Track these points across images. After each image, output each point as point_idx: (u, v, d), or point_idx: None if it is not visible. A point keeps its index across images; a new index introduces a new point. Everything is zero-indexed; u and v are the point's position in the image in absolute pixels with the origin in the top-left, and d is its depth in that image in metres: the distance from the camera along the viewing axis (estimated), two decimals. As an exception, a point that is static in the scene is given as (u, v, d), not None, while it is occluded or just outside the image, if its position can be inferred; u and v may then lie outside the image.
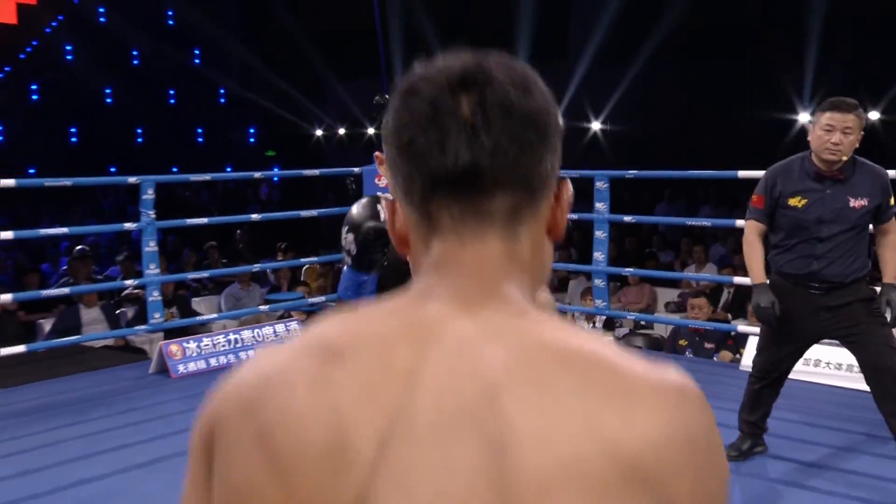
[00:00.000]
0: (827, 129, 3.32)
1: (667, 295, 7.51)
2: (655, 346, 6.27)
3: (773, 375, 3.71)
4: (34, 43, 16.07)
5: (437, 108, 0.77)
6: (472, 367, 0.69)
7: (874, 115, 13.78)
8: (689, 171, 6.13)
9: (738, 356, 5.49)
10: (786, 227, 3.48)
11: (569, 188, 0.84)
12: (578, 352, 0.71)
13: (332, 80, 17.90)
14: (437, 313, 0.74)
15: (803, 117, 14.59)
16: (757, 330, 5.27)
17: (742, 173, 5.22)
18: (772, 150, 13.71)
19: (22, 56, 15.98)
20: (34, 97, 17.18)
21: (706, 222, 7.55)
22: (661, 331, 6.63)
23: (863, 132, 3.40)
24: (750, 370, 4.69)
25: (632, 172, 5.86)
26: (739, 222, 5.54)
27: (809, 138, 3.45)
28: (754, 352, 5.07)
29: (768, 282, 3.52)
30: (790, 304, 3.44)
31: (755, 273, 3.56)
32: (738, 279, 5.93)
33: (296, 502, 0.68)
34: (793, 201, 3.43)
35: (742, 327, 5.43)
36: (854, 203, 3.39)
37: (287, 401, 0.70)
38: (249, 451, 0.70)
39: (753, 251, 3.61)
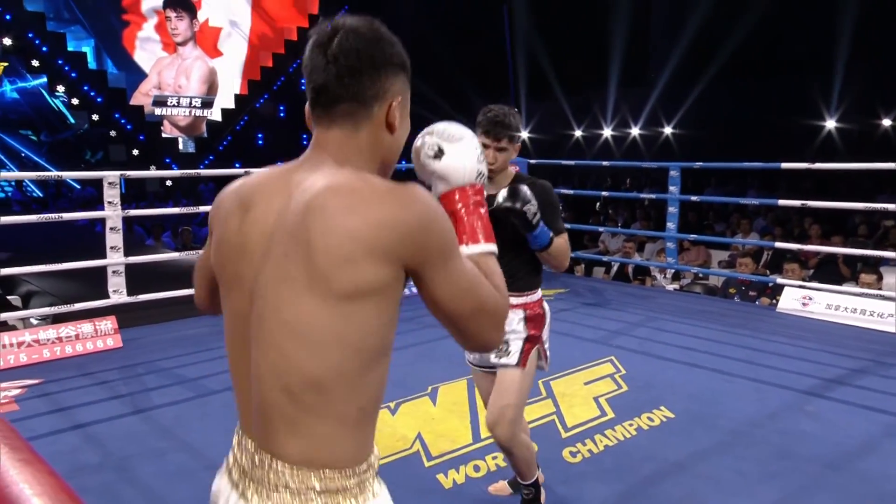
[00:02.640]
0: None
1: (719, 255, 7.10)
2: (710, 292, 5.92)
3: None
4: (282, 78, 16.79)
5: (312, 51, 0.92)
6: (307, 200, 0.86)
7: (887, 122, 12.50)
8: (743, 163, 5.69)
9: (774, 301, 5.10)
10: None
11: (398, 99, 0.94)
12: (349, 187, 0.86)
13: (475, 99, 17.77)
14: (299, 177, 0.91)
15: (830, 123, 13.36)
16: (790, 282, 4.91)
17: (784, 165, 4.82)
18: (805, 148, 12.67)
19: (275, 87, 16.75)
20: (282, 115, 18.03)
21: (754, 201, 7.06)
22: (714, 281, 6.27)
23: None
24: (783, 312, 4.37)
25: (698, 164, 5.51)
26: (781, 202, 5.12)
27: None
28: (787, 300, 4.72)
29: None
30: None
31: None
32: (778, 244, 5.55)
33: (228, 273, 0.94)
34: None
35: (779, 280, 5.05)
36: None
37: (224, 227, 0.95)
38: (214, 246, 0.99)
39: None
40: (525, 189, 1.83)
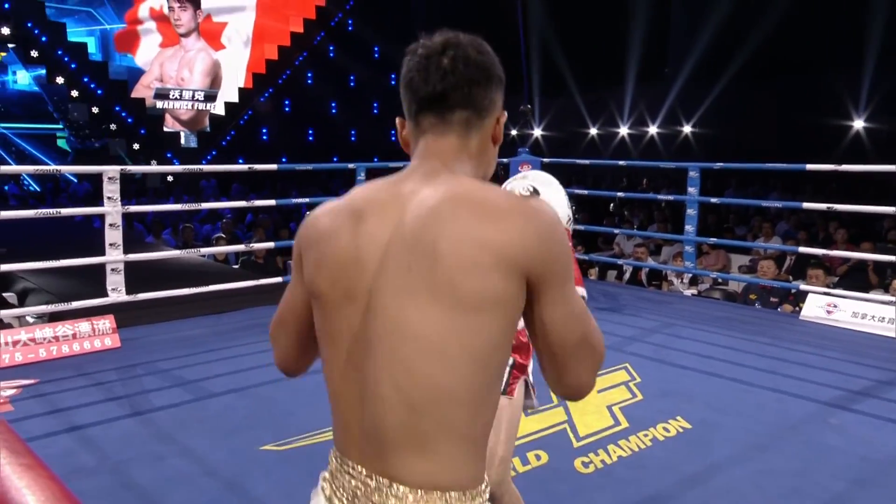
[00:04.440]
0: None
1: (740, 260, 7.07)
2: (729, 298, 5.89)
3: None
4: (288, 72, 16.83)
5: (422, 61, 0.96)
6: (431, 208, 0.88)
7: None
8: (766, 164, 5.62)
9: (797, 309, 5.06)
10: None
11: (504, 115, 1.00)
12: (476, 195, 0.89)
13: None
14: (412, 187, 0.92)
15: (858, 123, 13.24)
16: (815, 289, 4.87)
17: (810, 166, 4.79)
18: (831, 149, 12.58)
19: (280, 81, 16.79)
20: (287, 109, 18.07)
21: (777, 204, 7.01)
22: (734, 287, 6.23)
23: None
24: (807, 320, 4.33)
25: (718, 164, 5.48)
26: (806, 205, 5.09)
27: None
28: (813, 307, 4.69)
29: None
30: None
31: None
32: (801, 248, 5.50)
33: (339, 289, 0.92)
34: None
35: (803, 286, 5.01)
36: None
37: (330, 243, 0.94)
38: (313, 265, 0.96)
39: None
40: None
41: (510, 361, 1.88)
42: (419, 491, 0.87)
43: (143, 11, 14.54)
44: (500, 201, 0.88)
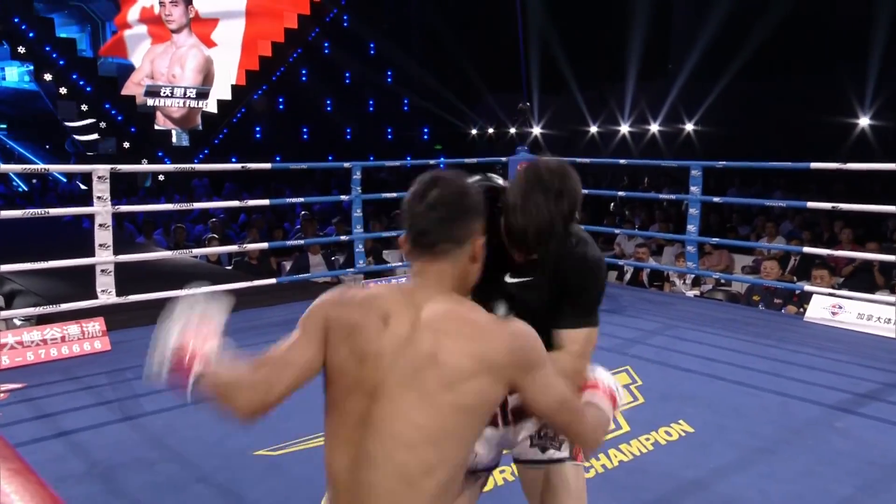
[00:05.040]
0: None
1: (743, 260, 7.08)
2: (732, 300, 5.90)
3: None
4: (282, 69, 16.80)
5: (413, 198, 1.22)
6: (433, 325, 1.16)
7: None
8: (770, 163, 5.62)
9: (801, 310, 5.07)
10: None
11: (482, 240, 1.24)
12: (466, 316, 1.19)
13: (485, 92, 17.83)
14: (420, 298, 1.20)
15: (863, 121, 13.26)
16: (819, 290, 4.88)
17: (814, 165, 4.80)
18: (836, 147, 12.59)
19: (273, 78, 16.75)
20: (280, 107, 18.05)
21: (781, 203, 7.01)
22: (737, 288, 6.24)
23: None
24: (811, 322, 4.34)
25: (721, 163, 5.48)
26: (810, 204, 5.10)
27: None
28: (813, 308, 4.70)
29: None
30: None
31: None
32: (806, 248, 5.51)
33: (358, 376, 1.17)
34: None
35: (807, 287, 5.03)
36: None
37: (367, 335, 1.18)
38: (346, 354, 1.20)
39: None
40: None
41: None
42: None
43: (132, 15, 14.51)
44: (486, 323, 1.18)
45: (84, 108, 15.16)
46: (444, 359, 1.13)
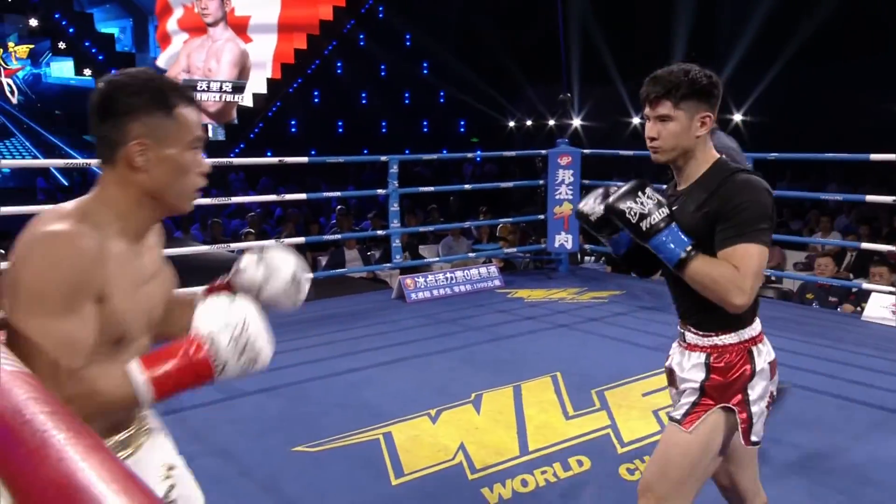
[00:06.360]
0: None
1: (795, 257, 6.90)
2: (784, 298, 5.76)
3: None
4: (317, 62, 16.97)
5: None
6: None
7: None
8: (825, 154, 5.45)
9: (858, 309, 4.92)
10: None
11: (137, 147, 1.10)
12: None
13: (523, 84, 17.71)
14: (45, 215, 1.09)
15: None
16: (879, 287, 4.72)
17: (874, 156, 4.63)
18: (894, 137, 12.13)
19: (309, 71, 16.94)
20: (316, 100, 18.24)
21: (837, 196, 6.80)
22: (789, 285, 6.09)
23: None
24: (870, 321, 4.20)
25: (773, 155, 5.34)
26: (869, 197, 4.93)
27: None
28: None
29: None
30: None
31: None
32: (864, 244, 5.34)
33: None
34: None
35: (865, 285, 4.87)
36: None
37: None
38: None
39: None
40: (642, 184, 1.54)
41: (697, 384, 1.62)
42: None
43: (171, 25, 14.83)
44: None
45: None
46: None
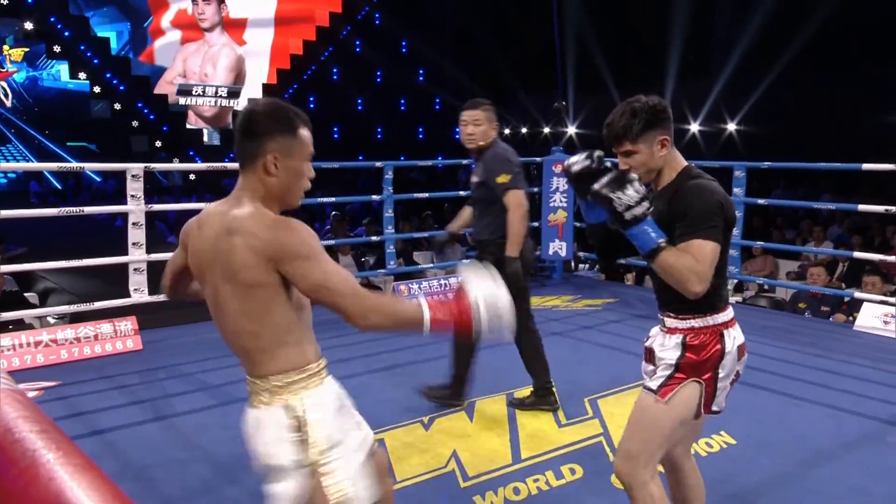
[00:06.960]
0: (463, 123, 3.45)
1: (788, 266, 6.93)
2: (777, 306, 5.78)
3: None
4: (313, 67, 17.00)
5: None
6: (223, 226, 1.50)
7: None
8: (818, 164, 5.49)
9: (850, 318, 4.95)
10: None
11: (272, 159, 1.50)
12: (237, 214, 1.49)
13: (519, 91, 17.78)
14: (225, 207, 1.53)
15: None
16: (871, 297, 4.75)
17: (866, 166, 4.68)
18: (890, 147, 12.24)
19: (305, 77, 16.97)
20: (311, 106, 18.25)
21: (830, 206, 6.84)
22: (782, 294, 6.12)
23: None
24: (862, 331, 4.20)
25: (766, 163, 5.38)
26: (862, 206, 4.97)
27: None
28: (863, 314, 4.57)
29: None
30: None
31: None
32: (856, 254, 5.38)
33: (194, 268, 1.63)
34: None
35: (857, 294, 4.90)
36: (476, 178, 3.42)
37: (191, 238, 1.62)
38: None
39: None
40: (630, 176, 1.72)
41: (673, 361, 1.83)
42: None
43: (164, 22, 14.83)
44: (263, 221, 1.51)
45: (117, 106, 15.56)
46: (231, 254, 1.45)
